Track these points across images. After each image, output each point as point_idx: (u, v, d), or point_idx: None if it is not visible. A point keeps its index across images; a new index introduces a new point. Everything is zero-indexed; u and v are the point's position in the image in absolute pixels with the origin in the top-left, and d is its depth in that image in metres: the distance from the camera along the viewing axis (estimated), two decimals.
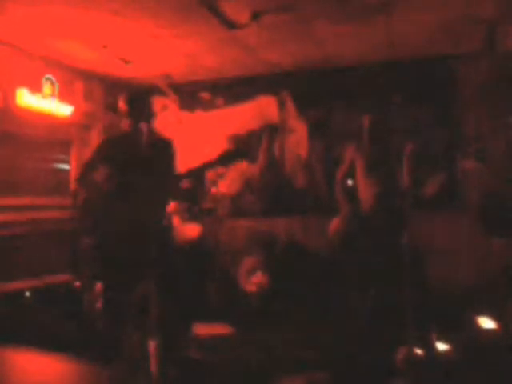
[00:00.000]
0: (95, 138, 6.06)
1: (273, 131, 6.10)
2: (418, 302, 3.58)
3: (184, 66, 5.87)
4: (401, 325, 3.55)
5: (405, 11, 4.31)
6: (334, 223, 5.09)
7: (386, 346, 3.68)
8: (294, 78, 6.07)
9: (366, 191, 4.86)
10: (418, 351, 3.62)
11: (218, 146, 6.27)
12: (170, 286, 4.39)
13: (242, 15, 4.34)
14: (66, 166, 5.94)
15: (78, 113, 5.76)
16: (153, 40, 4.93)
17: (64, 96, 5.58)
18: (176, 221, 5.74)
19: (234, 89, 6.27)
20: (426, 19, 4.51)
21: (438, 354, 3.75)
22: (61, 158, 5.91)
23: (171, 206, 5.68)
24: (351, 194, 5.07)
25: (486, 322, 4.14)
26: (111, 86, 6.32)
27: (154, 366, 3.40)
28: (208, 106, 6.40)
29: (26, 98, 5.07)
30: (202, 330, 4.61)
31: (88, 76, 6.03)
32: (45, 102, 5.30)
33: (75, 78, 5.89)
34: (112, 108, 6.16)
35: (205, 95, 6.40)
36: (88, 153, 5.79)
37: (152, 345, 3.43)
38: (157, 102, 6.33)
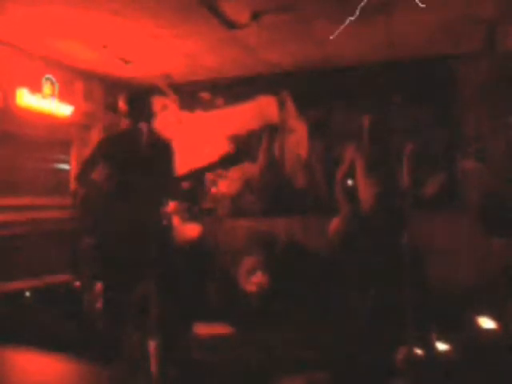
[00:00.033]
0: (95, 138, 6.06)
1: (273, 131, 6.10)
2: (418, 302, 3.57)
3: (184, 66, 5.88)
4: (401, 325, 3.55)
5: (405, 11, 4.31)
6: (334, 223, 5.09)
7: (386, 346, 3.68)
8: (293, 78, 6.07)
9: (365, 191, 4.86)
10: (418, 351, 3.62)
11: (218, 147, 6.27)
12: (169, 286, 4.39)
13: (242, 15, 4.34)
14: (66, 166, 5.94)
15: (77, 113, 5.76)
16: (153, 40, 4.93)
17: (64, 96, 5.58)
18: (176, 221, 5.74)
19: (234, 89, 6.27)
20: (426, 19, 4.51)
21: (438, 354, 3.75)
22: (61, 158, 5.91)
23: (171, 206, 5.68)
24: (351, 194, 5.07)
25: (486, 322, 4.14)
26: (111, 86, 6.32)
27: (154, 366, 3.39)
28: (208, 105, 6.40)
29: (26, 98, 5.07)
30: (202, 329, 4.61)
31: (88, 76, 6.03)
32: (45, 102, 5.30)
33: (75, 78, 5.89)
34: (112, 108, 6.16)
35: (205, 95, 6.40)
36: (88, 152, 5.80)
37: (152, 345, 3.43)
38: (157, 102, 6.32)
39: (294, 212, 5.98)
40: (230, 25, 4.51)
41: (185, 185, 6.23)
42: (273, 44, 5.12)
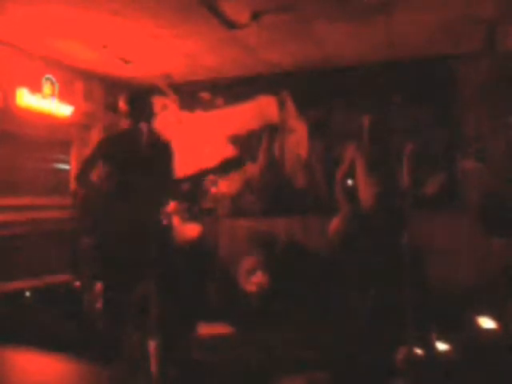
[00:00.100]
0: (95, 138, 6.06)
1: (273, 131, 6.10)
2: (418, 302, 3.57)
3: (184, 66, 5.87)
4: (401, 325, 3.55)
5: (405, 11, 4.31)
6: (334, 223, 5.09)
7: (386, 346, 3.68)
8: (294, 78, 6.07)
9: (366, 191, 4.86)
10: (418, 351, 3.62)
11: (219, 149, 6.27)
12: (169, 286, 4.39)
13: (242, 15, 4.34)
14: (66, 166, 5.94)
15: (77, 113, 5.76)
16: (153, 40, 4.93)
17: (64, 96, 5.58)
18: (176, 221, 5.74)
19: (234, 89, 6.27)
20: (426, 19, 4.51)
21: (438, 354, 3.75)
22: (61, 158, 5.91)
23: (171, 205, 5.68)
24: (351, 193, 5.07)
25: (486, 322, 4.14)
26: (111, 86, 6.32)
27: (154, 366, 3.39)
28: (208, 106, 6.40)
29: (26, 98, 5.07)
30: (202, 329, 4.61)
31: (88, 76, 6.03)
32: (45, 102, 5.30)
33: (75, 78, 5.89)
34: (112, 108, 6.16)
35: (205, 95, 6.40)
36: (88, 152, 5.79)
37: (152, 345, 3.43)
38: (157, 102, 6.33)
39: (294, 212, 5.98)
40: (230, 25, 4.51)
41: (185, 186, 6.23)
42: (273, 44, 5.12)
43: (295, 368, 3.63)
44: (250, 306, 5.27)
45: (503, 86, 5.17)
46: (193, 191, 6.32)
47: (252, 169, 6.23)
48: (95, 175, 4.01)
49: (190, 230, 5.83)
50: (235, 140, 6.29)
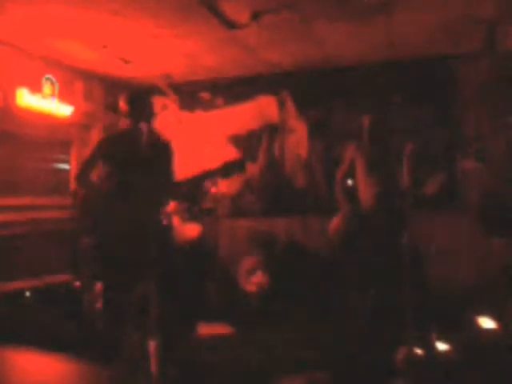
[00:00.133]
0: (95, 138, 6.07)
1: (273, 131, 6.10)
2: (418, 302, 3.57)
3: (184, 66, 5.87)
4: (401, 325, 3.55)
5: (405, 11, 4.31)
6: (334, 223, 5.09)
7: (386, 346, 3.68)
8: (294, 78, 6.07)
9: (366, 191, 4.86)
10: (418, 351, 3.62)
11: (219, 150, 6.26)
12: (169, 286, 4.39)
13: (242, 15, 4.34)
14: (66, 166, 5.94)
15: (77, 113, 5.76)
16: (153, 40, 4.93)
17: (64, 96, 5.59)
18: (176, 221, 5.74)
19: (234, 89, 6.26)
20: (426, 19, 4.51)
21: (438, 354, 3.75)
22: (61, 158, 5.91)
23: (171, 205, 5.68)
24: (351, 193, 5.07)
25: (486, 322, 4.14)
26: (111, 86, 6.32)
27: (154, 366, 3.39)
28: (208, 106, 6.40)
29: (26, 98, 5.07)
30: (202, 329, 4.61)
31: (88, 76, 6.03)
32: (45, 102, 5.30)
33: (75, 78, 5.89)
34: (112, 108, 6.16)
35: (205, 95, 6.40)
36: (88, 152, 5.80)
37: (152, 345, 3.43)
38: (157, 102, 6.33)
39: (294, 212, 5.98)
40: (230, 25, 4.51)
41: (185, 186, 6.23)
42: (273, 44, 5.12)
43: (295, 368, 3.63)
44: (250, 306, 5.27)
45: (503, 85, 5.17)
46: (193, 191, 6.32)
47: (252, 169, 6.22)
48: (95, 175, 4.01)
49: (190, 230, 5.83)
50: (236, 141, 6.29)
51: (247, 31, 4.65)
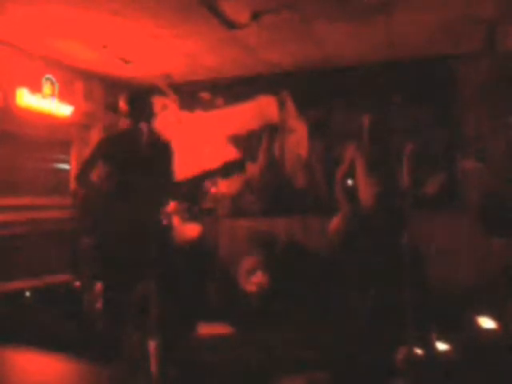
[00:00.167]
0: (95, 138, 6.07)
1: (273, 131, 6.10)
2: (418, 302, 3.57)
3: (184, 66, 5.88)
4: (401, 325, 3.55)
5: (405, 11, 4.31)
6: (334, 223, 5.09)
7: (386, 346, 3.68)
8: (294, 78, 6.07)
9: (366, 191, 4.86)
10: (418, 351, 3.62)
11: (219, 150, 6.26)
12: (170, 286, 4.39)
13: (241, 15, 4.34)
14: (66, 166, 5.94)
15: (77, 113, 5.76)
16: (153, 40, 4.93)
17: (64, 96, 5.59)
18: (176, 221, 5.74)
19: (234, 89, 6.27)
20: (426, 19, 4.51)
21: (438, 354, 3.75)
22: (61, 158, 5.91)
23: (171, 205, 5.68)
24: (351, 193, 5.07)
25: (486, 322, 4.14)
26: (111, 86, 6.32)
27: (154, 366, 3.39)
28: (208, 106, 6.40)
29: (26, 98, 5.07)
30: (202, 329, 4.61)
31: (88, 76, 6.03)
32: (45, 102, 5.30)
33: (75, 78, 5.89)
34: (112, 108, 6.16)
35: (205, 95, 6.40)
36: (88, 152, 5.80)
37: (152, 345, 3.43)
38: (157, 102, 6.33)
39: (294, 212, 5.98)
40: (230, 25, 4.51)
41: (185, 186, 6.23)
42: (273, 44, 5.12)
43: (295, 368, 3.63)
44: (250, 306, 5.27)
45: (503, 85, 5.17)
46: (193, 191, 6.32)
47: (252, 169, 6.22)
48: (95, 175, 4.01)
49: (190, 230, 5.83)
50: (236, 141, 6.29)
51: (247, 31, 4.65)
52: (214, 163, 6.26)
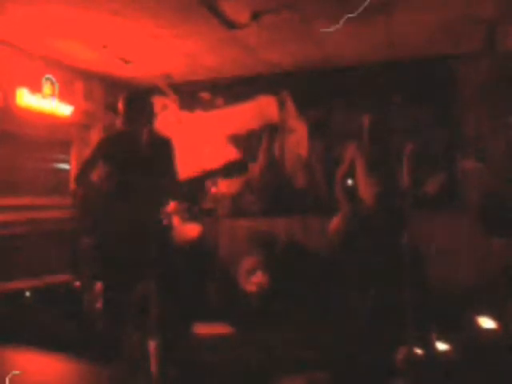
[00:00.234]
0: (95, 138, 6.06)
1: (273, 131, 6.10)
2: (418, 302, 3.57)
3: (184, 66, 5.88)
4: (401, 325, 3.55)
5: (405, 11, 4.31)
6: (334, 223, 5.08)
7: (386, 346, 3.68)
8: (294, 78, 6.07)
9: (366, 191, 4.85)
10: (418, 351, 3.61)
11: (219, 150, 6.26)
12: (170, 286, 4.39)
13: (241, 15, 4.34)
14: (66, 166, 5.94)
15: (78, 113, 5.77)
16: (153, 40, 4.93)
17: (64, 96, 5.59)
18: (176, 221, 5.74)
19: (234, 89, 6.27)
20: (426, 19, 4.51)
21: (438, 354, 3.75)
22: (61, 158, 5.92)
23: (171, 205, 5.68)
24: (351, 193, 5.06)
25: (486, 322, 4.14)
26: (111, 86, 6.32)
27: (154, 366, 3.39)
28: (208, 106, 6.40)
29: (26, 98, 5.07)
30: (202, 329, 4.61)
31: (88, 76, 6.03)
32: (45, 102, 5.30)
33: (75, 78, 5.89)
34: (112, 108, 6.15)
35: (205, 95, 6.40)
36: (88, 152, 5.79)
37: (152, 345, 3.43)
38: (157, 102, 6.32)
39: (294, 212, 5.98)
40: (230, 25, 4.51)
41: (185, 187, 6.23)
42: (273, 44, 5.12)
43: (295, 368, 3.63)
44: (250, 306, 5.27)
45: (503, 85, 5.17)
46: (193, 191, 6.32)
47: (252, 169, 6.23)
48: (95, 175, 4.00)
49: (190, 230, 5.83)
50: (236, 141, 6.29)
51: (247, 31, 4.65)
52: (215, 163, 6.26)
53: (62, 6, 4.09)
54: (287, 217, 5.99)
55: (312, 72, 5.97)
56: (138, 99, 4.20)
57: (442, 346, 3.79)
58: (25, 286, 5.02)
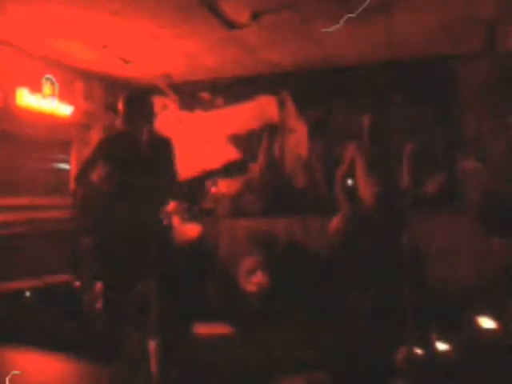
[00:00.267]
0: (95, 138, 6.06)
1: (273, 131, 6.10)
2: (418, 302, 3.57)
3: (184, 66, 5.88)
4: (401, 325, 3.55)
5: (405, 11, 4.31)
6: (334, 223, 5.08)
7: (386, 346, 3.68)
8: (294, 78, 6.07)
9: (366, 191, 4.85)
10: (418, 351, 3.61)
11: (219, 150, 6.26)
12: (170, 286, 4.39)
13: (241, 15, 4.34)
14: (66, 166, 5.94)
15: (78, 113, 5.77)
16: (153, 40, 4.93)
17: (64, 96, 5.59)
18: (176, 221, 5.74)
19: (234, 89, 6.27)
20: (426, 19, 4.51)
21: (438, 354, 3.75)
22: (61, 158, 5.91)
23: (171, 205, 5.67)
24: (351, 193, 5.06)
25: (486, 322, 4.14)
26: (111, 86, 6.32)
27: (154, 366, 3.39)
28: (208, 106, 6.40)
29: (26, 98, 5.07)
30: (202, 329, 4.61)
31: (88, 76, 6.03)
32: (45, 102, 5.30)
33: (75, 78, 5.89)
34: (112, 108, 6.15)
35: (205, 95, 6.40)
36: (88, 152, 5.79)
37: (152, 345, 3.43)
38: (157, 102, 6.32)
39: (294, 212, 5.98)
40: (230, 25, 4.51)
41: (185, 187, 6.23)
42: (273, 44, 5.12)
43: (295, 368, 3.63)
44: (250, 306, 5.27)
45: (503, 85, 5.17)
46: (193, 191, 6.32)
47: (252, 169, 6.23)
48: (95, 175, 4.00)
49: (190, 230, 5.83)
50: (236, 140, 6.29)
51: (247, 31, 4.65)
52: (215, 163, 6.26)
53: (62, 5, 4.09)
54: (287, 217, 5.99)
55: (312, 72, 5.97)
56: (137, 99, 4.20)
57: (441, 346, 3.79)
58: (25, 285, 5.02)
